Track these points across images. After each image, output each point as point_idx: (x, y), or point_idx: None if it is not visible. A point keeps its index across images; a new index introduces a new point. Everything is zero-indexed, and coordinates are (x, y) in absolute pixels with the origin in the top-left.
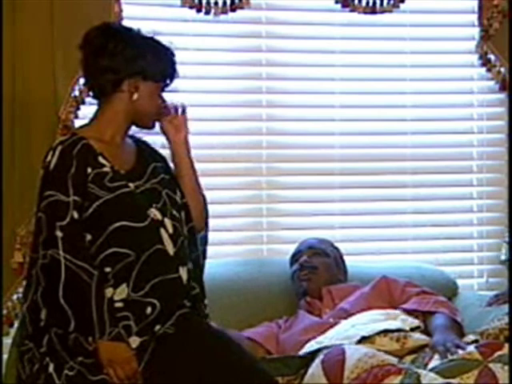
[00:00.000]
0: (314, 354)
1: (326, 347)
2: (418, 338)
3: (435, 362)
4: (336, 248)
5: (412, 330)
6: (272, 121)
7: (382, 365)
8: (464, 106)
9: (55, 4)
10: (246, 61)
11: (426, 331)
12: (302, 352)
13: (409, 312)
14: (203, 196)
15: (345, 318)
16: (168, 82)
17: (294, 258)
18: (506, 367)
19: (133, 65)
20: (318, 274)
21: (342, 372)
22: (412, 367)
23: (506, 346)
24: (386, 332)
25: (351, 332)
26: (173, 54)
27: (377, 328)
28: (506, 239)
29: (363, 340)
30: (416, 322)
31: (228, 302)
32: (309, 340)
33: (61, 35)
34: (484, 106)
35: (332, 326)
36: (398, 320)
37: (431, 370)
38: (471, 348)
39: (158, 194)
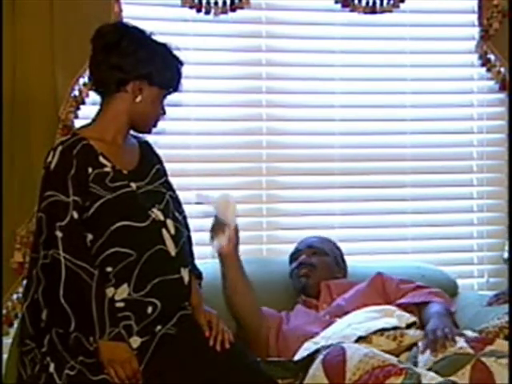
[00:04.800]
0: (310, 358)
1: (323, 347)
2: (414, 334)
3: (424, 356)
4: (337, 247)
5: (408, 326)
6: (272, 121)
7: (382, 365)
8: (464, 106)
9: (55, 4)
10: (246, 61)
11: (422, 324)
12: (298, 354)
13: (404, 307)
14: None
15: (340, 316)
16: (171, 90)
17: (293, 256)
18: (501, 361)
19: (142, 67)
20: (315, 272)
21: (344, 373)
22: (413, 367)
23: (497, 341)
24: (382, 331)
25: (347, 332)
26: (181, 64)
27: (373, 327)
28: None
29: (360, 340)
30: (412, 319)
31: None
32: (307, 336)
33: (61, 35)
34: (484, 105)
35: (328, 323)
36: (393, 317)
37: (428, 370)
38: (462, 343)
39: (161, 196)
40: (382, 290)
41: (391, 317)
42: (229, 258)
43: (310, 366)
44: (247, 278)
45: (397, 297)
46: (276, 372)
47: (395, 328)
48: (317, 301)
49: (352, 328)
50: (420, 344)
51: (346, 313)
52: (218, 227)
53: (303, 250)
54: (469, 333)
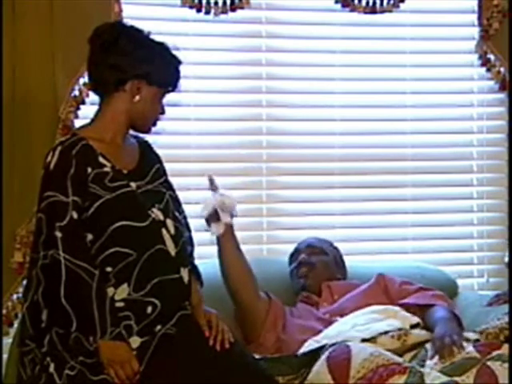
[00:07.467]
0: (314, 354)
1: (328, 345)
2: (419, 333)
3: (432, 362)
4: (336, 248)
5: (412, 327)
6: (272, 121)
7: (387, 364)
8: (464, 106)
9: (55, 4)
10: (246, 61)
11: (425, 326)
12: (301, 351)
13: (407, 307)
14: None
15: (341, 316)
16: (170, 89)
17: (293, 256)
18: (506, 365)
19: (140, 67)
20: (315, 271)
21: (348, 371)
22: (416, 366)
23: (505, 346)
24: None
25: (351, 333)
26: (180, 63)
27: (377, 330)
28: None
29: (364, 341)
30: (416, 319)
31: (228, 301)
32: (310, 331)
33: (61, 35)
34: (484, 105)
35: (330, 322)
36: (397, 317)
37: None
38: (469, 348)
39: (160, 195)
40: (384, 290)
41: (394, 318)
42: (225, 235)
43: (314, 363)
44: (244, 256)
45: (399, 297)
46: (277, 369)
47: (399, 329)
48: (318, 298)
49: (356, 330)
50: (428, 349)
51: (348, 312)
52: (213, 216)
53: (302, 249)
54: (470, 334)
